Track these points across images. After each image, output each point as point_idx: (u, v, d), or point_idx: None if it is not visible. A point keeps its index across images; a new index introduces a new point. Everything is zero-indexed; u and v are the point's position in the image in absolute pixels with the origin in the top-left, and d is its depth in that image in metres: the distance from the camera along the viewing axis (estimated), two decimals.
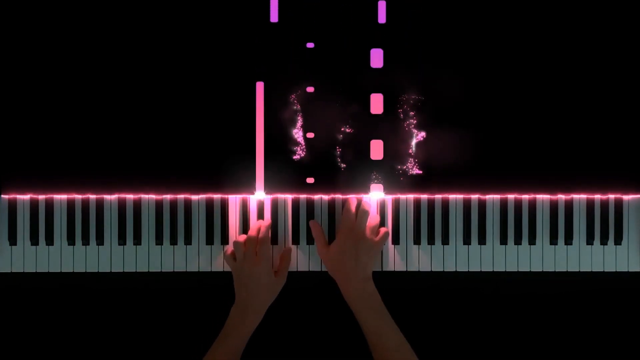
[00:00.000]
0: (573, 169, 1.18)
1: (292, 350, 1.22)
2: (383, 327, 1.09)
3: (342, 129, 1.17)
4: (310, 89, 1.17)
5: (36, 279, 1.17)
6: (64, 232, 1.17)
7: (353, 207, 1.14)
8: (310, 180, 1.17)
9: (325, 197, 1.18)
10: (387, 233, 1.15)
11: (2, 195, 1.17)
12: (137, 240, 1.17)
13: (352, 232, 1.12)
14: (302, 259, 1.18)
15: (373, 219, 1.14)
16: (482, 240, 1.18)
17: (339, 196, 1.18)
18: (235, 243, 1.12)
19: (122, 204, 1.17)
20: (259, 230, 1.14)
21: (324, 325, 1.21)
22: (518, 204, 1.18)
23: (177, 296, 1.20)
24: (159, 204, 1.17)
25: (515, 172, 1.18)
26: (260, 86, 1.17)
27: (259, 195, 1.18)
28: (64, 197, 1.17)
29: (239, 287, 1.12)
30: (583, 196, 1.18)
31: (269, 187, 1.18)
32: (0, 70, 1.16)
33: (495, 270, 1.18)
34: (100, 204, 1.17)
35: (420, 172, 1.18)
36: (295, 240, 1.18)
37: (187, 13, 1.16)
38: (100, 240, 1.17)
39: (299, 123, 1.17)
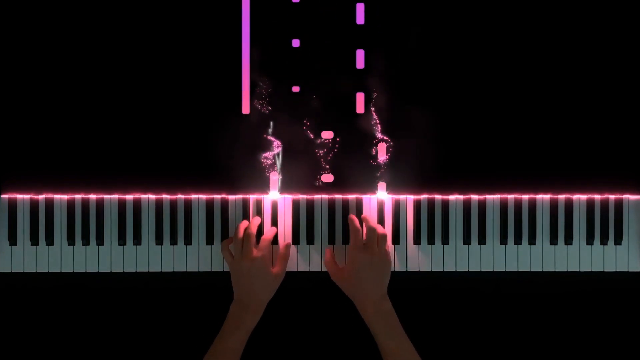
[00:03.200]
0: (573, 169, 1.18)
1: (291, 350, 1.21)
2: (400, 349, 1.08)
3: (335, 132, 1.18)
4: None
5: (36, 279, 1.17)
6: (64, 232, 1.17)
7: (358, 225, 1.13)
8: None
9: (325, 197, 1.18)
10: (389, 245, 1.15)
11: (2, 195, 1.17)
12: (137, 240, 1.17)
13: (364, 249, 1.11)
14: (302, 259, 1.18)
15: (382, 232, 1.12)
16: (482, 240, 1.18)
17: (338, 196, 1.18)
18: (235, 239, 1.12)
19: (122, 204, 1.17)
20: (257, 227, 1.14)
21: (324, 326, 1.21)
22: (518, 204, 1.18)
23: (177, 296, 1.20)
24: (159, 204, 1.17)
25: (515, 172, 1.18)
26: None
27: (261, 196, 1.18)
28: (64, 197, 1.17)
29: (237, 284, 1.12)
30: (583, 196, 1.18)
31: (268, 187, 1.18)
32: (0, 70, 1.16)
33: (495, 270, 1.18)
34: (100, 204, 1.17)
35: (420, 171, 1.18)
36: (295, 241, 1.18)
37: (189, 15, 1.17)
38: (100, 240, 1.17)
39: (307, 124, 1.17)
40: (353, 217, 1.15)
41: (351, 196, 1.18)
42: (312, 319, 1.21)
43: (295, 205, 1.18)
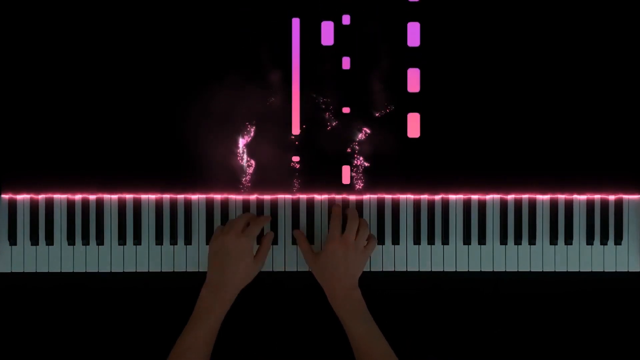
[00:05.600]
0: (573, 169, 1.18)
1: (287, 350, 1.21)
2: (369, 334, 1.08)
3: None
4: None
5: (36, 279, 1.17)
6: (64, 232, 1.17)
7: (340, 213, 1.13)
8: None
9: (326, 196, 1.18)
10: (375, 242, 1.14)
11: (2, 195, 1.17)
12: (137, 240, 1.17)
13: (342, 240, 1.10)
14: (302, 259, 1.18)
15: (363, 225, 1.12)
16: (482, 240, 1.18)
17: (338, 197, 1.18)
18: (230, 220, 1.11)
19: (122, 204, 1.17)
20: (253, 216, 1.14)
21: (324, 325, 1.21)
22: (518, 204, 1.18)
23: (177, 296, 1.20)
24: (159, 204, 1.17)
25: (515, 172, 1.18)
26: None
27: (262, 196, 1.18)
28: (64, 197, 1.17)
29: (213, 264, 1.09)
30: (583, 196, 1.18)
31: (269, 188, 1.18)
32: (0, 70, 1.16)
33: (495, 270, 1.18)
34: (100, 204, 1.17)
35: (421, 171, 1.18)
36: (295, 241, 1.18)
37: (191, 17, 1.17)
38: (100, 240, 1.17)
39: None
40: (337, 205, 1.15)
41: (352, 197, 1.18)
42: (310, 318, 1.21)
43: (295, 205, 1.18)
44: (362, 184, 1.18)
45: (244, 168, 1.17)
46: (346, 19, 1.16)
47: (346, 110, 1.17)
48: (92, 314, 1.20)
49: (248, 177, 1.17)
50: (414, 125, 1.17)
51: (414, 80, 1.17)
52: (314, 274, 1.14)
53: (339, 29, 1.16)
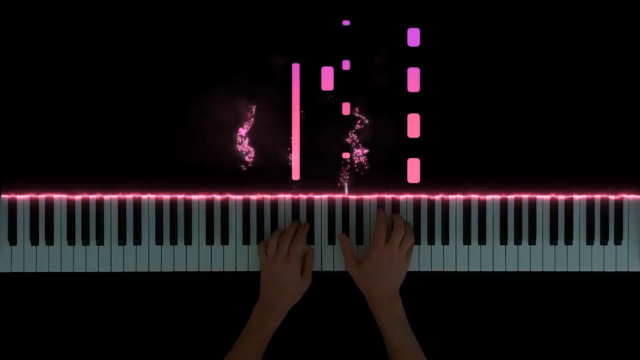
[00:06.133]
0: (573, 169, 1.18)
1: (290, 351, 1.22)
2: (408, 344, 1.09)
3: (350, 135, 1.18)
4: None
5: (36, 279, 1.17)
6: (64, 232, 1.17)
7: (385, 220, 1.13)
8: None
9: (325, 196, 1.18)
10: (412, 241, 1.13)
11: (2, 195, 1.17)
12: (137, 240, 1.17)
13: (387, 248, 1.10)
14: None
15: (408, 233, 1.12)
16: (482, 240, 1.18)
17: (338, 196, 1.18)
18: (272, 238, 1.12)
19: (122, 204, 1.17)
20: (296, 229, 1.14)
21: (325, 327, 1.21)
22: (518, 204, 1.18)
23: (177, 296, 1.20)
24: (159, 204, 1.17)
25: (515, 172, 1.18)
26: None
27: (263, 196, 1.18)
28: (64, 197, 1.17)
29: (265, 285, 1.12)
30: (583, 196, 1.18)
31: (270, 187, 1.18)
32: (0, 70, 1.16)
33: (495, 270, 1.18)
34: (100, 204, 1.17)
35: (420, 171, 1.18)
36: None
37: (190, 18, 1.17)
38: (100, 240, 1.17)
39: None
40: (382, 211, 1.14)
41: (352, 197, 1.18)
42: (309, 321, 1.21)
43: (295, 206, 1.18)
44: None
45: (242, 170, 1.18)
46: (346, 64, 1.16)
47: (346, 155, 1.17)
48: (92, 314, 1.20)
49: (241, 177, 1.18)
50: (414, 171, 1.17)
51: (414, 125, 1.17)
52: (354, 280, 1.13)
53: (338, 74, 1.17)
